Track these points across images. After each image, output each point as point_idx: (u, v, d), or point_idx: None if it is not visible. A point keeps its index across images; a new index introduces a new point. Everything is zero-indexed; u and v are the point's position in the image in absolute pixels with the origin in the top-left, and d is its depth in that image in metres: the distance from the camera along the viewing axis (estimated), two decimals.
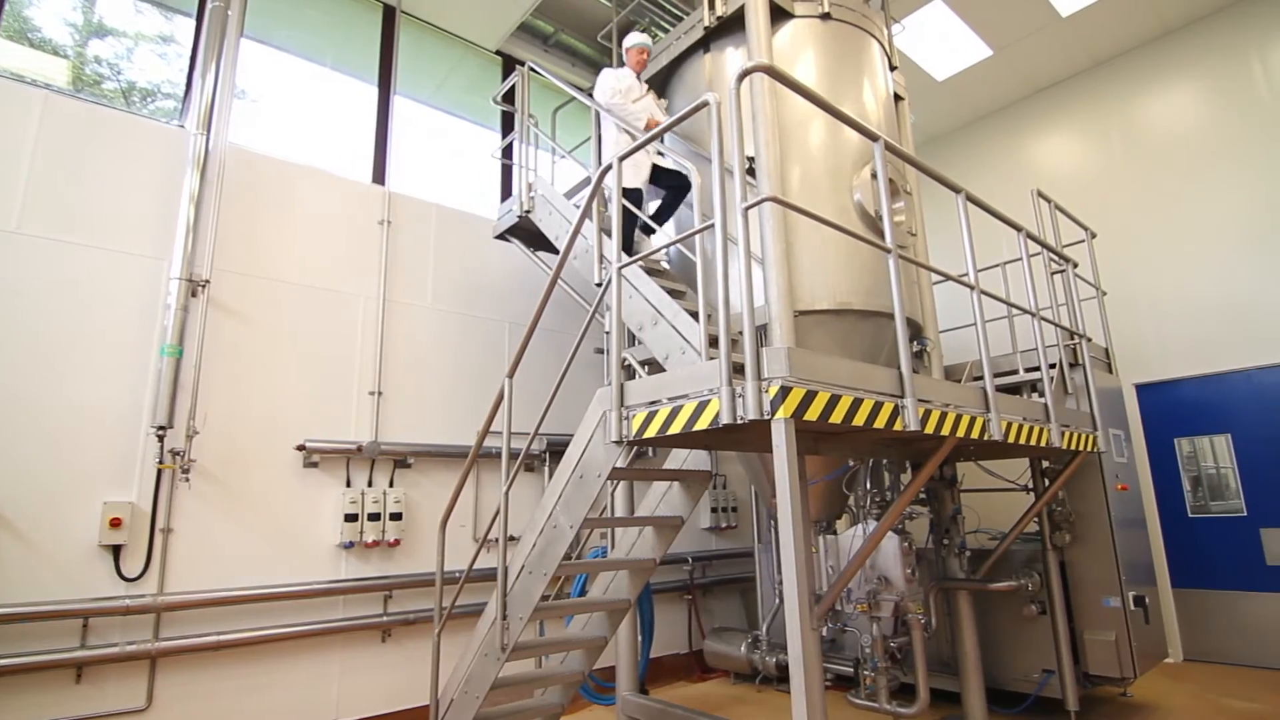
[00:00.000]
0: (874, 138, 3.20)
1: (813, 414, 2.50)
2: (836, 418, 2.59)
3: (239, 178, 4.99)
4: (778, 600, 6.15)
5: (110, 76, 5.06)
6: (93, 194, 4.40)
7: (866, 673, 4.54)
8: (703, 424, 2.65)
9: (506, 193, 6.82)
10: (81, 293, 4.24)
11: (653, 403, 2.92)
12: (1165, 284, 6.75)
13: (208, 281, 4.63)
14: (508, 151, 6.60)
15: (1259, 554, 5.90)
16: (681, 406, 2.76)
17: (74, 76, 4.86)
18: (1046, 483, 4.90)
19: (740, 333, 3.62)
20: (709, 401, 2.65)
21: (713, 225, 2.68)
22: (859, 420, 2.69)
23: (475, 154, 6.88)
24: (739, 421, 2.49)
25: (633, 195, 4.69)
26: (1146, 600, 4.80)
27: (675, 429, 2.77)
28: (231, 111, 5.11)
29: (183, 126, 4.91)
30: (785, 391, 2.42)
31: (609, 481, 3.27)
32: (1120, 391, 5.60)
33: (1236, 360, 6.25)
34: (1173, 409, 6.56)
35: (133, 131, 4.65)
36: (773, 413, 2.43)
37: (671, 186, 5.01)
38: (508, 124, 7.00)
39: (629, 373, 4.22)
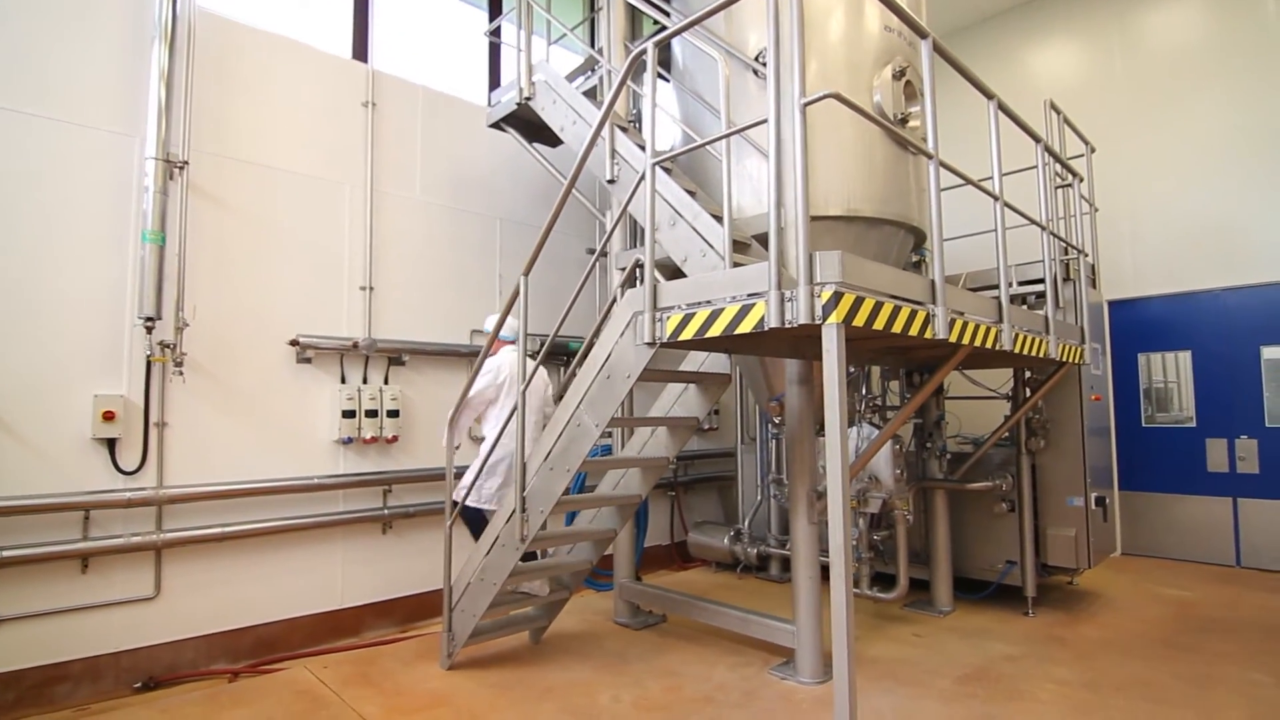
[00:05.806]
0: (924, 34, 3.07)
1: (860, 319, 2.52)
2: (879, 324, 2.62)
3: (210, 47, 4.53)
4: (759, 497, 6.45)
5: None
6: (46, 57, 3.94)
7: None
8: (745, 327, 2.65)
9: (495, 77, 6.40)
10: (48, 172, 3.88)
11: (689, 305, 2.89)
12: (1147, 203, 6.88)
13: (186, 163, 4.29)
14: (497, 31, 6.15)
15: (1202, 461, 6.40)
16: (722, 310, 2.74)
17: None
18: (1028, 392, 5.14)
19: (754, 236, 3.56)
20: (753, 305, 2.64)
21: (765, 122, 2.58)
22: (897, 327, 2.73)
23: (456, 32, 6.37)
24: (788, 325, 2.50)
25: None
26: (1106, 500, 5.20)
27: (715, 332, 2.77)
28: None
29: None
30: (838, 297, 2.42)
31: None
32: (1101, 307, 5.81)
33: (1205, 281, 6.52)
34: (1140, 325, 6.86)
35: None
36: (825, 317, 2.43)
37: None
38: (495, 1, 6.48)
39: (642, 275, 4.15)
